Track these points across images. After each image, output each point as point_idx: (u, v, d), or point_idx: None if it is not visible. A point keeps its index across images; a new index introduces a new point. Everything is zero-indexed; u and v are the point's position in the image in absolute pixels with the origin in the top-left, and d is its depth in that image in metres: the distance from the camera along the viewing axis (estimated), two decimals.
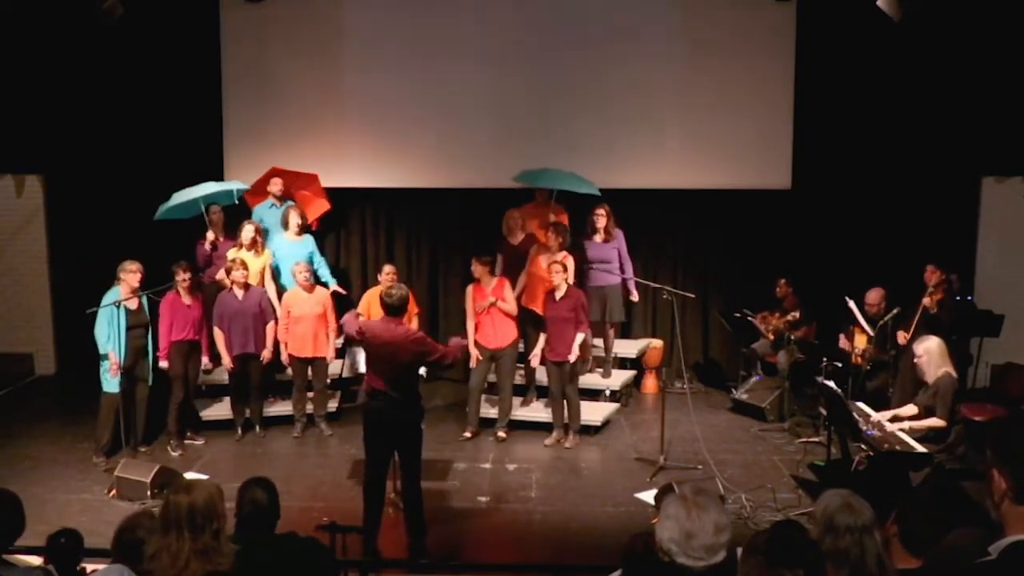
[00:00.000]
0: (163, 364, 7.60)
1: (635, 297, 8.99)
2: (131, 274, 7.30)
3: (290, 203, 8.90)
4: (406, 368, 5.92)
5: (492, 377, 8.27)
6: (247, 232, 8.33)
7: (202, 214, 8.54)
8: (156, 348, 7.59)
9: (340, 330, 8.33)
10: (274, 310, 8.22)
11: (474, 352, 7.99)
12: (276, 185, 8.94)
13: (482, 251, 8.19)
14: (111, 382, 7.30)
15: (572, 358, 7.77)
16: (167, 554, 2.99)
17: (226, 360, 7.95)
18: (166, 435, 7.82)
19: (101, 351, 7.29)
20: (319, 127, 9.71)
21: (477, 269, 7.97)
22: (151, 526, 3.24)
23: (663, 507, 2.66)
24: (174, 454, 7.66)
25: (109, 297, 7.31)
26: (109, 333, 7.23)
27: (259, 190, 9.14)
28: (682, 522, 2.50)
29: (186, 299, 7.64)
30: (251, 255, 8.33)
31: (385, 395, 5.89)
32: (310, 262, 8.47)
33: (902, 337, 7.87)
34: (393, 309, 5.97)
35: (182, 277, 7.58)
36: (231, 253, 8.26)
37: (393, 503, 6.43)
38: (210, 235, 8.57)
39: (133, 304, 7.37)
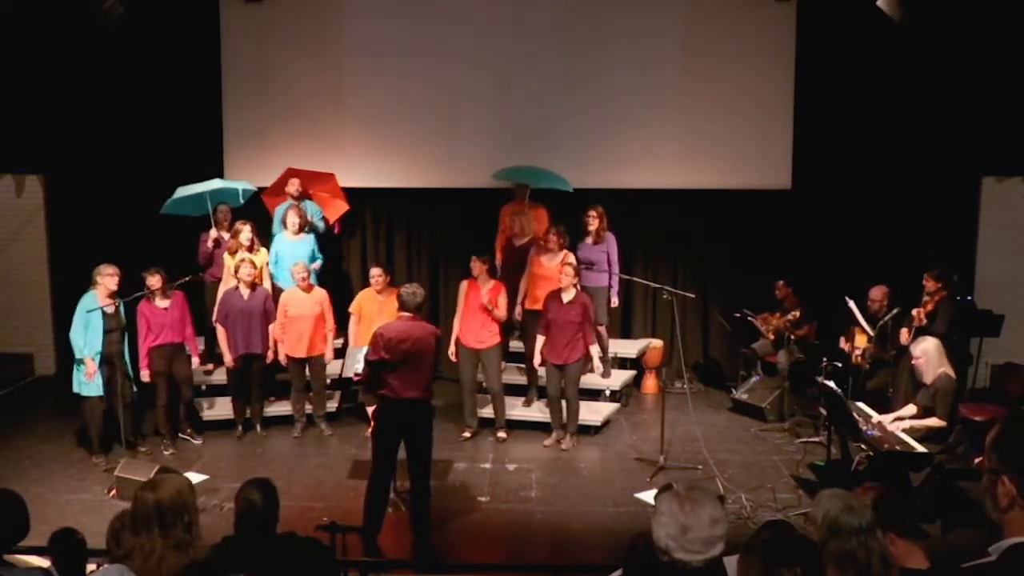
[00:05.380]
0: (144, 375, 7.58)
1: (615, 303, 8.83)
2: (108, 277, 7.29)
3: (292, 202, 8.88)
4: (431, 363, 5.99)
5: (481, 376, 8.25)
6: (246, 235, 8.31)
7: (208, 213, 8.53)
8: (134, 355, 7.58)
9: (342, 352, 8.29)
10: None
11: (452, 348, 8.08)
12: (293, 185, 8.93)
13: (482, 251, 8.18)
14: (89, 386, 7.31)
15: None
16: (139, 553, 3.00)
17: (227, 358, 7.95)
18: (159, 435, 7.85)
19: (77, 355, 7.30)
20: (319, 127, 9.71)
21: (476, 267, 7.95)
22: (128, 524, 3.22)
23: (657, 506, 2.67)
24: (166, 453, 7.66)
25: (86, 301, 7.31)
26: (86, 339, 7.23)
27: (277, 191, 9.14)
28: (676, 516, 2.51)
29: (160, 303, 7.61)
30: (250, 255, 8.32)
31: (415, 400, 5.92)
32: (312, 261, 8.48)
33: (904, 336, 7.85)
34: (416, 307, 6.00)
35: (151, 282, 7.54)
36: (227, 259, 8.25)
37: (394, 503, 6.43)
38: (213, 232, 8.55)
39: (110, 308, 7.37)
